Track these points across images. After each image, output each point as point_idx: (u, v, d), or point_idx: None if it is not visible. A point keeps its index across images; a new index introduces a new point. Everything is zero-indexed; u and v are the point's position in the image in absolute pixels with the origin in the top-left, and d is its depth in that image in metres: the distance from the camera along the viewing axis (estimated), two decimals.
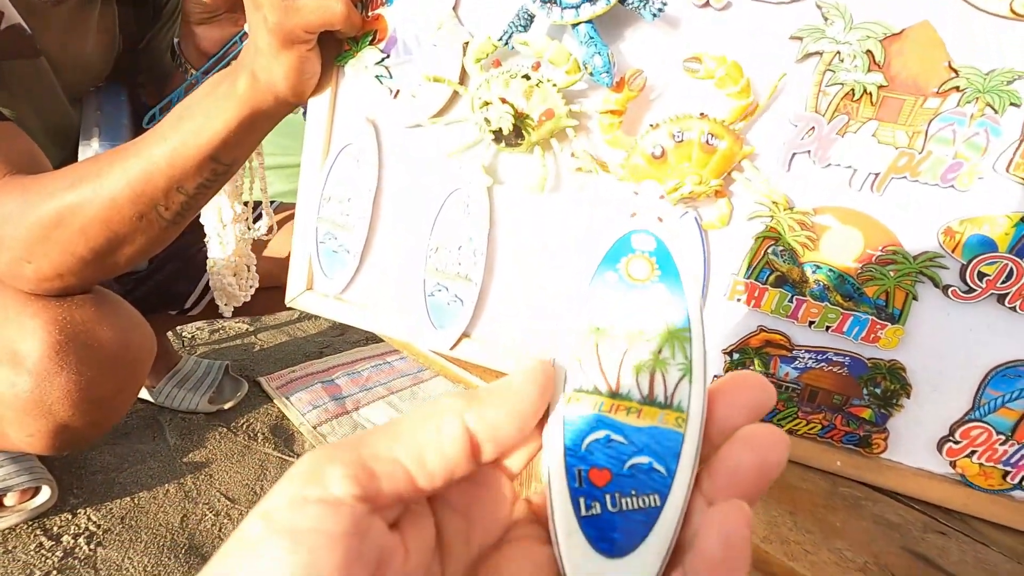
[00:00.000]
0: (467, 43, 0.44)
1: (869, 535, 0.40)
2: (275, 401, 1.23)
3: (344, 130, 0.50)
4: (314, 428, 1.19)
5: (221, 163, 0.51)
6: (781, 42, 0.39)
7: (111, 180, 0.50)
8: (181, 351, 1.37)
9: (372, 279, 0.52)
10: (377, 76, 0.48)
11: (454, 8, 0.45)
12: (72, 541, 0.87)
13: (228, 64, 0.66)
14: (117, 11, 0.78)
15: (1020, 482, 0.41)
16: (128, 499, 0.96)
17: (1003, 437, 0.41)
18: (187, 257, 0.98)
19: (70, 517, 0.91)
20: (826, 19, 0.37)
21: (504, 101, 0.40)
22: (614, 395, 0.21)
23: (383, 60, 0.47)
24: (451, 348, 0.50)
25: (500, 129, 0.41)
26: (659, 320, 0.22)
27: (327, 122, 0.50)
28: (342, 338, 1.54)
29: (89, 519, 0.91)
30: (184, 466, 1.05)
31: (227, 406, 1.18)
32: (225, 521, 0.95)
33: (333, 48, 0.49)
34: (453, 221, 0.48)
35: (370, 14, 0.47)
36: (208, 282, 0.94)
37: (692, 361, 0.22)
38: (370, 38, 0.47)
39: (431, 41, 0.46)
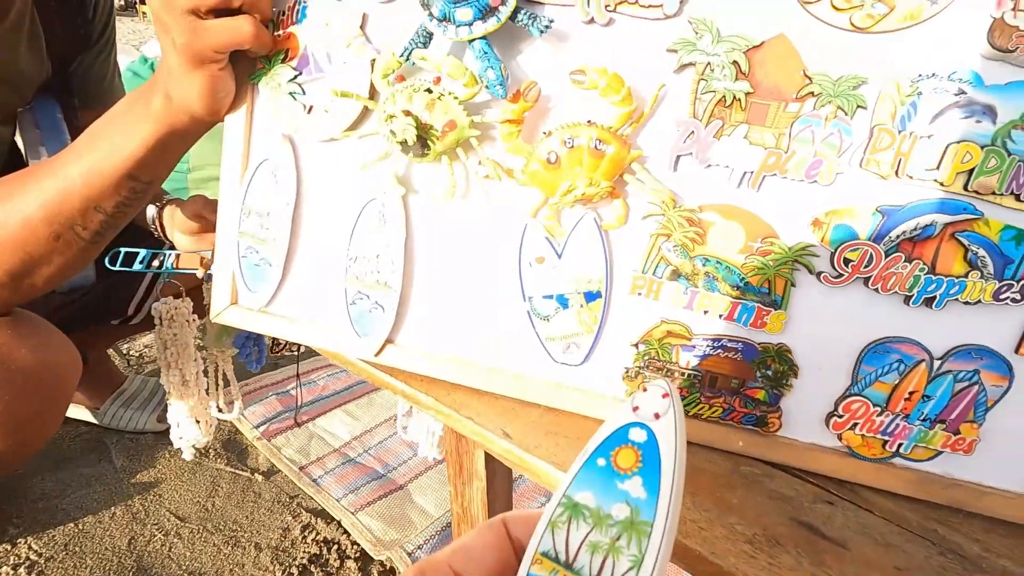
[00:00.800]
0: (375, 60, 0.46)
1: (762, 509, 0.43)
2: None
3: (261, 146, 0.51)
4: (269, 441, 1.18)
5: (140, 181, 0.51)
6: (660, 54, 0.42)
7: (25, 200, 0.50)
8: (128, 371, 1.34)
9: (295, 291, 0.53)
10: (291, 93, 0.49)
11: (361, 27, 0.47)
12: (12, 572, 0.84)
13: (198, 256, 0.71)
14: (45, 36, 0.78)
15: (898, 449, 0.45)
16: (72, 525, 0.94)
17: (879, 409, 0.44)
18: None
19: (9, 547, 0.88)
20: (696, 33, 0.41)
21: (407, 114, 0.42)
22: (568, 567, 0.22)
23: (296, 77, 0.49)
24: (376, 355, 0.51)
25: (406, 140, 0.43)
26: (627, 509, 0.23)
27: (244, 139, 0.51)
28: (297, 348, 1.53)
29: (30, 548, 0.88)
30: (132, 487, 1.03)
31: None
32: (175, 540, 0.94)
33: (247, 66, 0.50)
34: (370, 230, 0.49)
35: (281, 33, 0.48)
36: (149, 283, 0.93)
37: (644, 555, 0.22)
38: (282, 56, 0.49)
39: (341, 58, 0.48)
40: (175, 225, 0.77)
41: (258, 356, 0.82)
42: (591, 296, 0.47)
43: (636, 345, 0.47)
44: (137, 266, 0.74)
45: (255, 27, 0.45)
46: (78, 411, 1.14)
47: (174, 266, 0.73)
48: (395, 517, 1.02)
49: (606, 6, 0.41)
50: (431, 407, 0.48)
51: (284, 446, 1.16)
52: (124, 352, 1.42)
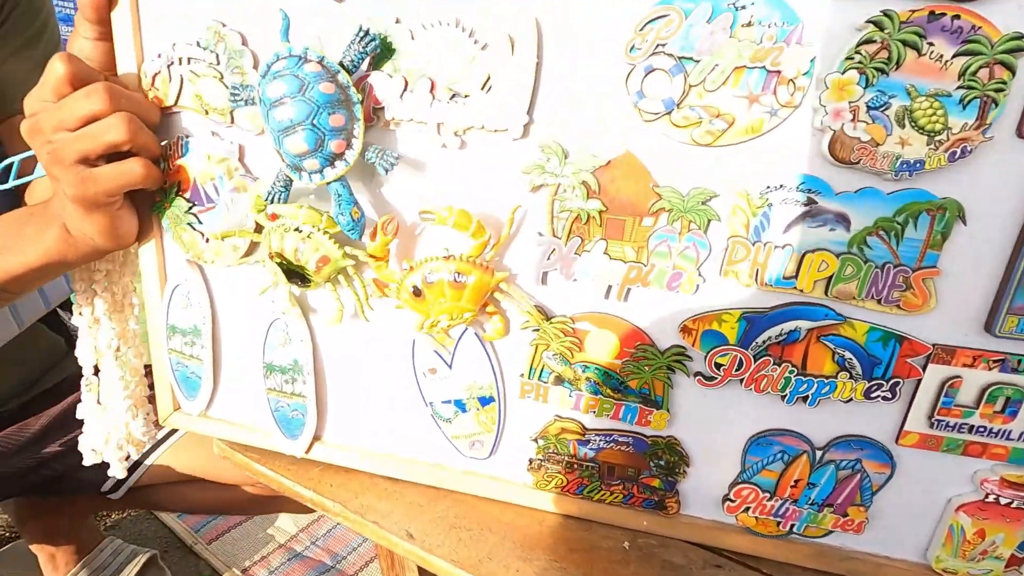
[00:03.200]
0: (258, 194, 0.47)
1: None
2: None
3: (173, 271, 0.53)
4: (208, 545, 1.11)
5: (8, 292, 0.51)
6: (516, 174, 0.41)
7: None
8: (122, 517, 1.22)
9: (228, 398, 0.56)
10: (189, 223, 0.50)
11: (240, 159, 0.48)
12: None
13: None
14: None
15: (791, 529, 0.45)
16: None
17: (768, 494, 0.44)
18: None
19: None
20: (544, 155, 0.40)
21: (275, 256, 0.43)
22: None
23: (191, 209, 0.50)
24: (306, 453, 0.54)
25: (281, 280, 0.44)
26: None
27: (157, 266, 0.53)
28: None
29: None
30: None
31: None
32: None
33: (148, 196, 0.51)
34: (278, 346, 0.51)
35: (170, 167, 0.49)
36: (131, 474, 0.82)
37: None
38: (176, 189, 0.50)
39: (228, 189, 0.48)
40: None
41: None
42: (485, 400, 0.48)
43: (535, 440, 0.48)
44: (11, 181, 0.53)
45: (145, 167, 0.46)
46: None
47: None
48: None
49: (454, 132, 0.41)
50: (339, 513, 0.51)
51: (225, 549, 1.11)
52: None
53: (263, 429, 0.55)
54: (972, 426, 0.38)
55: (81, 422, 0.69)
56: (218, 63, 0.45)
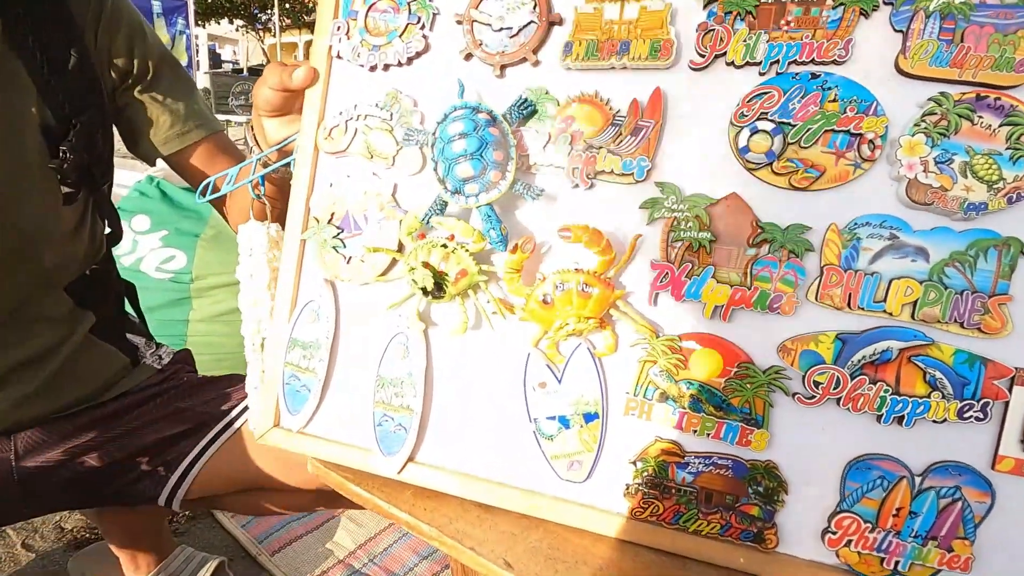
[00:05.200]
0: (402, 220, 0.56)
1: None
2: None
3: (307, 289, 0.60)
4: (271, 557, 1.17)
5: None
6: (635, 210, 0.49)
7: None
8: (191, 525, 1.31)
9: (330, 414, 0.59)
10: (334, 247, 0.59)
11: (393, 194, 0.57)
12: None
13: (284, 152, 0.64)
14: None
15: (896, 567, 0.45)
16: None
17: (870, 525, 0.45)
18: (145, 455, 0.87)
19: None
20: (664, 194, 0.49)
21: (426, 265, 0.51)
22: None
23: (339, 234, 0.59)
24: (399, 472, 0.56)
25: (425, 287, 0.51)
26: None
27: (293, 284, 0.60)
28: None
29: None
30: None
31: None
32: None
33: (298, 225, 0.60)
34: (396, 360, 0.56)
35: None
36: (182, 472, 0.85)
37: None
38: (328, 219, 0.59)
39: (376, 219, 0.57)
40: (259, 108, 0.64)
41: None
42: (590, 417, 0.51)
43: (634, 463, 0.50)
44: (227, 187, 0.65)
45: None
46: None
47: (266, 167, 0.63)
48: None
49: (587, 175, 0.50)
50: (435, 538, 0.51)
51: (287, 560, 1.15)
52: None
53: (359, 447, 0.58)
54: None
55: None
56: (391, 119, 0.57)
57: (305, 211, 0.60)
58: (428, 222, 0.52)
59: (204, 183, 0.68)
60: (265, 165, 0.66)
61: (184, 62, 5.33)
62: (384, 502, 0.55)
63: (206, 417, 0.88)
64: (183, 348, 1.02)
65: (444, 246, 0.51)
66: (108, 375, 0.89)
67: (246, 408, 0.89)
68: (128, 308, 0.99)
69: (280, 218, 0.64)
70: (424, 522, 0.52)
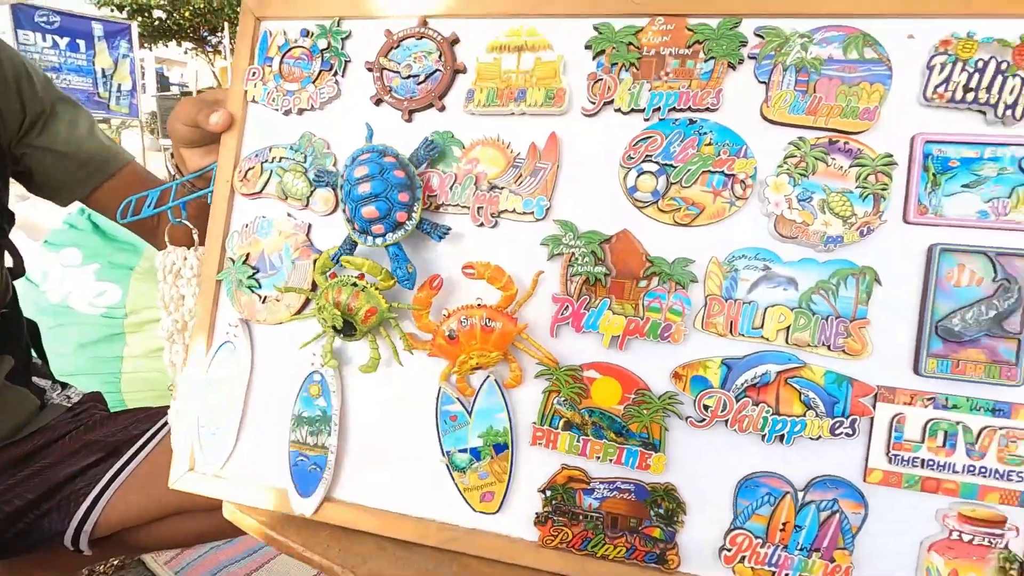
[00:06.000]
0: (316, 259, 0.57)
1: None
2: None
3: (223, 330, 0.60)
4: None
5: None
6: (536, 247, 0.52)
7: None
8: None
9: (246, 455, 0.59)
10: (249, 287, 0.59)
11: (307, 234, 0.58)
12: None
13: (204, 178, 0.64)
14: None
15: None
16: None
17: (761, 540, 0.48)
18: (56, 492, 0.82)
19: None
20: (562, 231, 0.51)
21: (336, 304, 0.52)
22: None
23: (254, 275, 0.59)
24: (314, 513, 0.56)
25: (335, 325, 0.52)
26: None
27: (209, 325, 0.60)
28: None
29: None
30: None
31: None
32: None
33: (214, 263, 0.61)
34: (310, 399, 0.56)
35: (245, 241, 0.60)
36: (92, 501, 0.80)
37: None
38: (244, 259, 0.60)
39: (291, 259, 0.58)
40: (175, 142, 0.65)
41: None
42: (500, 448, 0.52)
43: (543, 491, 0.52)
44: (147, 211, 0.63)
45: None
46: None
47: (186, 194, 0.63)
48: None
49: (490, 214, 0.53)
50: None
51: None
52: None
53: (276, 488, 0.57)
54: (923, 460, 0.45)
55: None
56: (304, 161, 0.58)
57: (221, 252, 0.60)
58: (338, 261, 0.53)
59: (123, 203, 0.67)
60: (188, 191, 0.65)
61: (128, 86, 5.21)
62: (299, 545, 0.54)
63: (117, 443, 0.85)
64: (95, 391, 0.98)
65: (354, 284, 0.52)
66: (20, 418, 0.85)
67: (160, 430, 0.87)
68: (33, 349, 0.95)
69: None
70: (337, 564, 0.52)
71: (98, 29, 5.03)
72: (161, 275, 0.65)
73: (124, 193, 0.82)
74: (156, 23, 13.02)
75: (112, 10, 12.45)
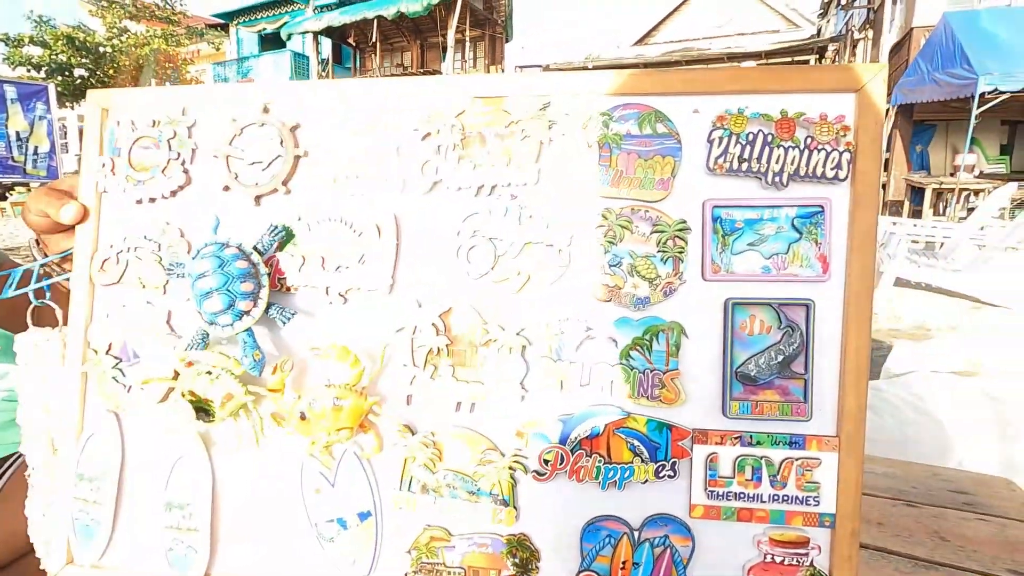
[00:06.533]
0: (175, 347, 0.58)
1: None
2: None
3: (91, 420, 0.61)
4: None
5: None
6: (386, 319, 0.55)
7: None
8: None
9: (122, 544, 0.59)
10: (113, 377, 0.60)
11: (167, 321, 0.60)
12: None
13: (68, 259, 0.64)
14: None
15: None
16: None
17: None
18: None
19: None
20: (406, 305, 0.55)
21: (191, 394, 0.53)
22: None
23: (117, 364, 0.60)
24: None
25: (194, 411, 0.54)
26: None
27: (78, 417, 0.61)
28: None
29: None
30: None
31: None
32: None
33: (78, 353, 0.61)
34: (180, 483, 0.58)
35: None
36: None
37: None
38: (107, 349, 0.60)
39: (153, 347, 0.59)
40: (31, 228, 0.64)
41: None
42: (363, 516, 0.55)
43: (409, 552, 0.55)
44: (6, 292, 0.61)
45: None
46: None
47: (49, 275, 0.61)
48: None
49: (339, 292, 0.55)
50: None
51: None
52: None
53: (155, 574, 0.58)
54: (735, 493, 0.50)
55: None
56: (159, 249, 0.59)
57: (84, 343, 0.61)
58: (189, 353, 0.55)
59: None
60: (46, 273, 0.65)
61: (46, 148, 5.01)
62: None
63: None
64: None
65: (209, 372, 0.54)
66: None
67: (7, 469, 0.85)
68: None
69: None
70: None
71: (10, 92, 4.83)
72: (22, 359, 0.65)
73: None
74: (78, 81, 12.50)
75: (28, 71, 11.91)
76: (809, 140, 0.49)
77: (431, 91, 0.55)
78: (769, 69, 0.50)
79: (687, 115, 0.51)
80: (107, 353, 0.60)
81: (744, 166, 0.49)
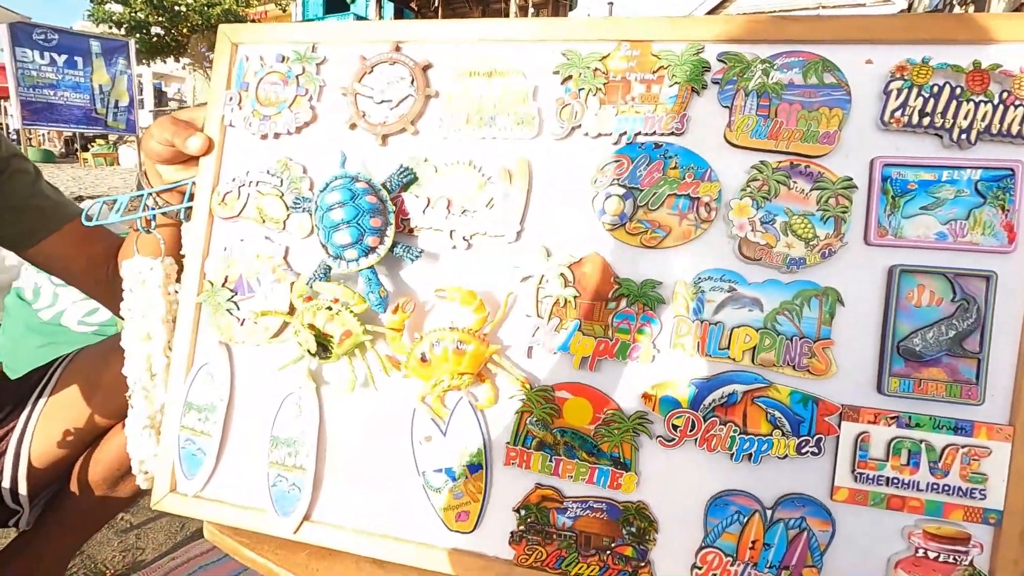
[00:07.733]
0: (293, 283, 0.58)
1: None
2: None
3: (203, 352, 0.61)
4: None
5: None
6: (509, 268, 0.53)
7: None
8: None
9: (226, 477, 0.59)
10: (228, 310, 0.60)
11: (284, 257, 0.59)
12: None
13: (175, 192, 0.65)
14: None
15: None
16: None
17: (731, 559, 0.49)
18: None
19: None
20: (532, 252, 0.52)
21: (310, 327, 0.53)
22: None
23: (232, 297, 0.60)
24: (295, 532, 0.57)
25: (310, 348, 0.53)
26: None
27: (189, 346, 0.61)
28: None
29: None
30: None
31: None
32: None
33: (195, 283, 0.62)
34: (289, 419, 0.57)
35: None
36: (15, 449, 0.82)
37: None
38: (223, 282, 0.61)
39: (269, 282, 0.59)
40: (149, 158, 0.66)
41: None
42: (474, 468, 0.53)
43: (518, 510, 0.53)
44: (114, 216, 0.64)
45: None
46: None
47: (156, 205, 0.64)
48: None
49: (463, 237, 0.54)
50: None
51: None
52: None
53: (256, 508, 0.58)
54: (887, 478, 0.46)
55: None
56: (281, 185, 0.59)
57: (200, 275, 0.61)
58: (312, 286, 0.54)
59: (88, 207, 0.68)
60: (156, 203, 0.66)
61: (125, 102, 5.25)
62: (277, 566, 0.55)
63: (22, 393, 0.84)
64: None
65: (329, 308, 0.53)
66: None
67: (57, 369, 0.86)
68: None
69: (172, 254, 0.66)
70: None
71: (95, 46, 5.09)
72: (128, 284, 0.66)
73: (69, 247, 0.82)
74: (154, 39, 13.12)
75: (110, 27, 12.57)
76: (1005, 95, 0.44)
77: (574, 33, 0.52)
78: (959, 16, 0.45)
79: (859, 65, 0.47)
80: (223, 286, 0.60)
81: (926, 120, 0.45)
